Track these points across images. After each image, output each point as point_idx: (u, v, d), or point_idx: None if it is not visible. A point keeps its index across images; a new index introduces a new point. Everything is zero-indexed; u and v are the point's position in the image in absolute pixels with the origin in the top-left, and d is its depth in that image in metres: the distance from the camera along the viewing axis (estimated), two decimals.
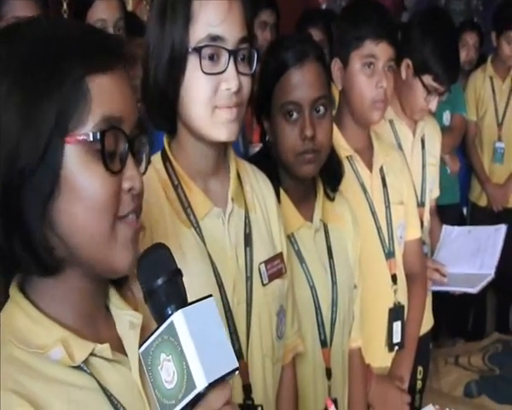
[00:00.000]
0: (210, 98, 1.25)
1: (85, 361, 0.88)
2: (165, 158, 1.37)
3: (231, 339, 1.33)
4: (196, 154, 1.35)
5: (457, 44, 2.52)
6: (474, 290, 2.28)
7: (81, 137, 0.82)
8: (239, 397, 1.35)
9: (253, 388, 1.37)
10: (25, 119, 0.81)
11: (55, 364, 0.86)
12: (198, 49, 1.24)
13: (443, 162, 3.56)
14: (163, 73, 1.27)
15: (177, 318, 0.81)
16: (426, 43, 2.28)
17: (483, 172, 4.05)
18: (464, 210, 4.22)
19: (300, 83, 1.57)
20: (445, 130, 3.30)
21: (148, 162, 0.94)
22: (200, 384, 0.80)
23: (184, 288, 0.87)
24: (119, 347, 0.94)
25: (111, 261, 0.88)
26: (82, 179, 0.83)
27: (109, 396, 0.89)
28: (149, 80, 1.30)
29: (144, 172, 0.92)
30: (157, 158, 1.38)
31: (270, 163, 1.64)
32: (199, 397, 0.81)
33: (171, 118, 1.33)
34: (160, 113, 1.33)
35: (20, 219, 0.83)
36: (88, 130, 0.83)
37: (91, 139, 0.83)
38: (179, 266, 1.25)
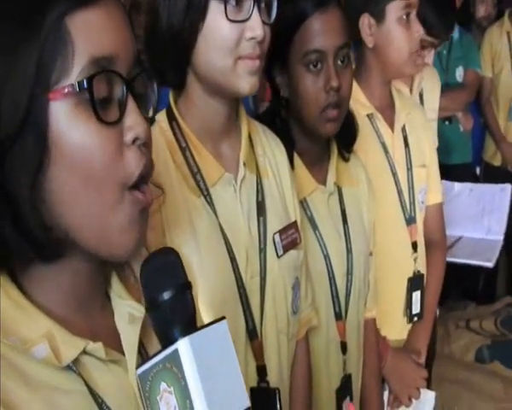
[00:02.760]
0: (234, 48, 1.16)
1: (74, 360, 0.77)
2: (171, 117, 1.26)
3: (244, 316, 1.26)
4: (208, 112, 1.25)
5: None
6: (490, 264, 2.17)
7: (66, 90, 0.70)
8: (253, 380, 1.28)
9: (268, 369, 1.29)
10: (2, 72, 0.69)
11: (38, 362, 0.74)
12: None
13: (456, 120, 3.44)
14: (178, 17, 1.16)
15: (183, 346, 0.71)
16: None
17: (498, 130, 3.98)
18: (477, 170, 4.11)
19: (324, 29, 1.46)
20: (457, 86, 3.16)
21: (157, 105, 0.83)
22: None
23: (194, 304, 0.77)
24: (115, 342, 0.83)
25: (112, 242, 0.77)
26: (74, 139, 0.71)
27: (100, 403, 0.78)
28: (159, 25, 1.18)
29: (152, 118, 0.81)
30: (162, 117, 1.27)
31: (283, 122, 1.54)
32: None
33: (182, 69, 1.22)
34: (169, 63, 1.21)
35: (7, 197, 0.71)
36: (73, 79, 0.71)
37: (77, 89, 0.70)
38: (188, 241, 1.19)
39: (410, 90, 2.31)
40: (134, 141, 0.75)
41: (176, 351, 0.71)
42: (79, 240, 0.75)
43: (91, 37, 0.71)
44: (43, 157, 0.71)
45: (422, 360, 2.00)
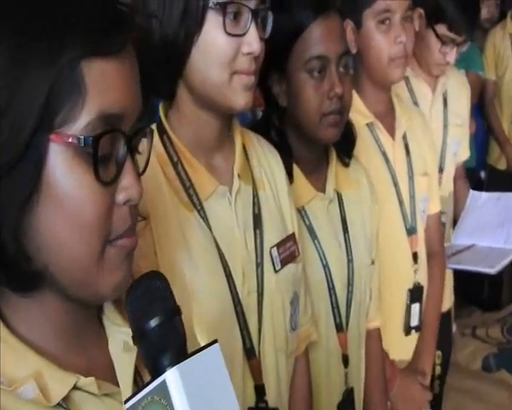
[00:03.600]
0: (230, 62, 1.14)
1: (65, 397, 0.73)
2: (161, 131, 1.23)
3: (241, 335, 1.23)
4: (199, 125, 1.22)
5: None
6: (492, 271, 2.14)
7: (70, 139, 0.68)
8: (251, 400, 1.25)
9: (266, 388, 1.26)
10: (10, 91, 0.67)
11: (27, 403, 0.71)
12: (222, 5, 1.11)
13: None
14: (173, 25, 1.14)
15: (172, 377, 0.68)
16: None
17: (502, 133, 3.94)
18: (482, 174, 4.06)
19: (326, 36, 1.45)
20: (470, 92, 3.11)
21: (148, 159, 0.80)
22: None
23: (184, 330, 0.74)
24: (111, 373, 0.80)
25: (95, 287, 0.74)
26: (66, 188, 0.70)
27: None
28: (150, 34, 1.15)
29: (143, 172, 0.78)
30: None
31: (279, 132, 1.51)
32: None
33: (174, 81, 1.20)
34: (160, 73, 1.18)
35: None
36: (79, 128, 0.68)
37: (82, 144, 0.68)
38: (181, 257, 1.16)
39: (433, 91, 2.28)
40: (125, 202, 0.73)
41: (164, 382, 0.68)
42: (58, 280, 0.73)
43: (104, 90, 0.70)
44: (32, 194, 0.69)
45: (427, 381, 1.97)
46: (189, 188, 1.20)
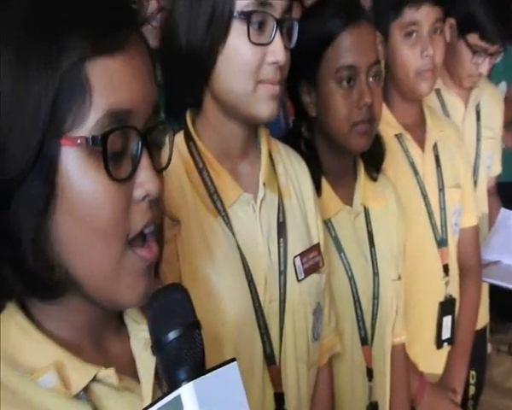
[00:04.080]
0: (255, 71, 1.14)
1: (85, 388, 0.74)
2: (188, 137, 1.25)
3: (262, 341, 1.23)
4: (225, 133, 1.23)
5: None
6: None
7: (78, 140, 0.68)
8: (270, 407, 1.25)
9: (285, 397, 1.26)
10: (15, 101, 0.67)
11: (48, 392, 0.72)
12: (246, 15, 1.12)
13: None
14: (198, 37, 1.14)
15: (186, 392, 0.67)
16: None
17: None
18: None
19: (357, 45, 1.45)
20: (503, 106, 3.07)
21: (170, 155, 0.79)
22: None
23: (203, 344, 0.74)
24: (130, 369, 0.80)
25: (114, 296, 0.75)
26: (82, 189, 0.69)
27: None
28: (177, 40, 1.17)
29: (165, 168, 0.78)
30: (179, 138, 1.25)
31: (308, 143, 1.52)
32: None
33: (200, 89, 1.21)
34: (186, 82, 1.20)
35: (9, 238, 0.69)
36: (89, 128, 0.68)
37: (91, 144, 0.68)
38: (204, 263, 1.17)
39: (465, 104, 2.25)
40: (144, 198, 0.72)
41: (179, 397, 0.68)
42: (81, 286, 0.74)
43: (111, 87, 0.69)
44: (49, 201, 0.69)
45: (458, 398, 1.93)
46: (213, 194, 1.21)
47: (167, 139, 0.80)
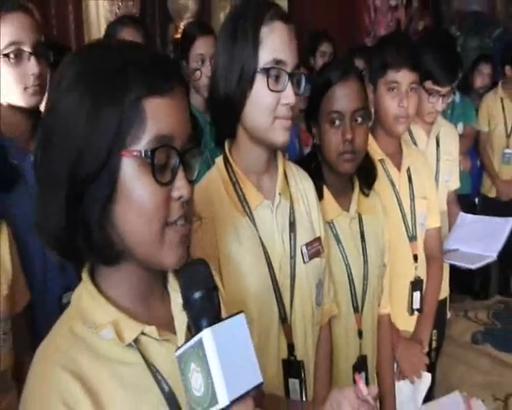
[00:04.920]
0: (272, 110, 1.09)
1: (136, 340, 0.72)
2: (225, 160, 1.20)
3: (278, 306, 1.17)
4: (252, 155, 1.18)
5: (455, 52, 2.16)
6: (472, 267, 1.97)
7: (135, 153, 0.68)
8: (284, 354, 1.19)
9: (295, 346, 1.20)
10: (92, 125, 0.67)
11: (107, 342, 0.71)
12: (266, 70, 1.08)
13: None
14: (232, 87, 1.10)
15: (206, 336, 0.65)
16: (426, 53, 1.97)
17: (493, 170, 3.69)
18: (476, 200, 3.80)
19: (343, 96, 1.38)
20: (458, 137, 2.94)
21: (198, 172, 0.77)
22: (223, 402, 0.64)
23: (219, 303, 0.71)
24: (169, 325, 0.78)
25: (160, 260, 0.72)
26: (135, 189, 0.69)
27: (154, 373, 0.72)
28: (218, 93, 1.13)
29: (196, 181, 0.76)
30: (219, 160, 1.22)
31: (317, 163, 1.46)
32: None
33: (234, 124, 1.17)
34: (225, 120, 1.16)
35: (82, 219, 0.69)
36: (142, 146, 0.68)
37: (143, 156, 0.68)
38: (235, 249, 1.12)
39: (428, 135, 2.14)
40: (179, 198, 0.71)
41: (200, 340, 0.65)
42: (135, 254, 0.72)
43: (159, 119, 0.69)
44: (112, 196, 0.68)
45: (426, 349, 1.82)
46: (242, 200, 1.16)
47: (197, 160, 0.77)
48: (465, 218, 2.22)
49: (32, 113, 1.44)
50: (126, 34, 1.99)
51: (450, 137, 2.21)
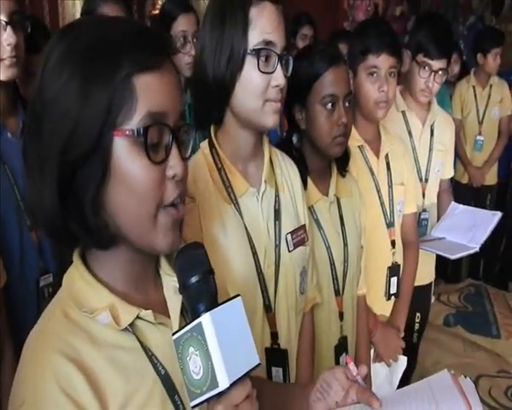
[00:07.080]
0: (262, 93, 1.09)
1: (131, 324, 0.72)
2: (211, 145, 1.20)
3: (262, 295, 1.18)
4: (239, 140, 1.18)
5: (449, 29, 2.17)
6: (451, 257, 2.03)
7: (127, 132, 0.67)
8: (267, 342, 1.20)
9: (279, 334, 1.21)
10: (82, 102, 0.65)
11: (103, 326, 0.70)
12: (257, 51, 1.07)
13: None
14: (221, 70, 1.09)
15: (206, 320, 0.66)
16: (421, 28, 2.02)
17: (465, 157, 3.79)
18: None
19: (336, 80, 1.40)
20: (454, 126, 3.00)
21: (191, 148, 0.76)
22: (223, 385, 0.64)
23: (216, 286, 0.71)
24: (164, 309, 0.78)
25: (152, 243, 0.72)
26: (128, 168, 0.67)
27: (150, 356, 0.73)
28: (206, 76, 1.12)
29: (189, 158, 0.75)
30: (205, 145, 1.21)
31: (297, 150, 1.46)
32: (221, 393, 0.65)
33: (223, 108, 1.16)
34: (213, 104, 1.15)
35: (75, 202, 0.68)
36: (134, 125, 0.67)
37: (136, 134, 0.67)
38: (220, 237, 1.12)
39: (423, 124, 2.16)
40: (173, 177, 0.70)
41: (200, 323, 0.66)
42: (128, 236, 0.71)
43: (151, 95, 0.67)
44: (105, 176, 0.67)
45: (402, 333, 1.87)
46: (228, 187, 1.16)
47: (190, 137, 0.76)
48: (456, 207, 2.26)
49: (8, 86, 1.36)
50: (107, 9, 1.90)
51: (445, 126, 2.22)
